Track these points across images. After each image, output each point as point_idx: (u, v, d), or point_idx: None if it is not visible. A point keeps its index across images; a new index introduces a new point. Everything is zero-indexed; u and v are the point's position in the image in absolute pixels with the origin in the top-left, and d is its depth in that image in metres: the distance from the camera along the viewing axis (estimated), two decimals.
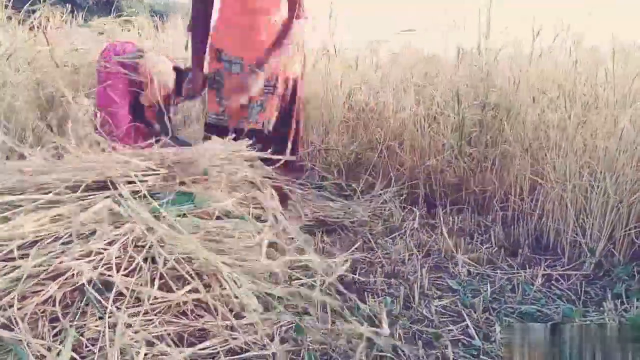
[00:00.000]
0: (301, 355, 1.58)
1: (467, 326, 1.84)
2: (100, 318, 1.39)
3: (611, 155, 2.31)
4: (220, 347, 1.49)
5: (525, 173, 2.75)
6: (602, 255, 2.31)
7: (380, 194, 3.14)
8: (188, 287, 1.49)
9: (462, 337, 1.81)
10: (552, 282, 2.17)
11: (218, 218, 1.66)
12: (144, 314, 1.43)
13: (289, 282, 1.90)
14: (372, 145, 3.50)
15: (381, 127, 3.47)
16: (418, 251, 2.45)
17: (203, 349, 1.47)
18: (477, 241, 2.59)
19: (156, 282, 1.45)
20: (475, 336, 1.79)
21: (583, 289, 2.09)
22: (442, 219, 2.84)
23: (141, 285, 1.39)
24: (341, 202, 3.02)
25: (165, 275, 1.46)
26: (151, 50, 3.32)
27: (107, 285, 1.39)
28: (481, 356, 1.69)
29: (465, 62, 3.38)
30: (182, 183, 1.68)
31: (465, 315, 1.91)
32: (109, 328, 1.34)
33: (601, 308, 1.92)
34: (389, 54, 4.09)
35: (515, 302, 2.00)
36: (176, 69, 3.39)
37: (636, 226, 2.27)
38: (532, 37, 2.95)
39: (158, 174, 1.66)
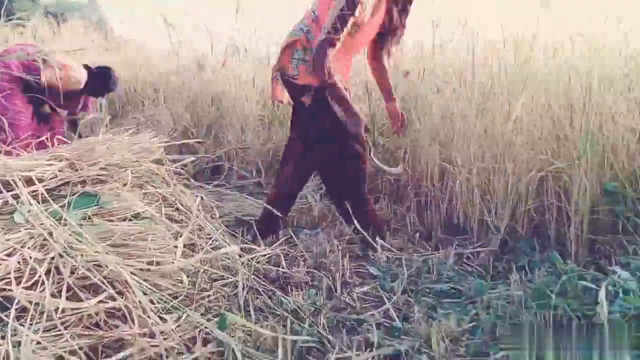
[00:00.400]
0: (225, 356, 1.55)
1: (388, 309, 1.90)
2: (2, 337, 1.28)
3: (508, 138, 2.49)
4: (139, 356, 1.43)
5: (434, 160, 2.88)
6: (507, 232, 2.47)
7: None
8: (99, 297, 1.42)
9: (383, 320, 1.87)
10: (464, 260, 2.30)
11: (127, 220, 1.59)
12: (52, 328, 1.34)
13: (210, 282, 1.87)
14: None
15: None
16: (339, 242, 2.49)
17: (120, 359, 1.41)
18: (394, 228, 2.68)
19: (63, 294, 1.37)
20: (396, 318, 1.85)
21: (492, 265, 2.23)
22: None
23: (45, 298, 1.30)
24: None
25: (72, 285, 1.38)
26: (56, 53, 3.15)
27: (8, 300, 1.29)
28: (402, 336, 1.75)
29: None
30: (84, 183, 1.59)
31: (385, 299, 1.98)
32: (13, 347, 1.25)
33: (508, 280, 2.05)
34: None
35: (431, 282, 2.10)
36: (87, 68, 3.23)
37: (534, 202, 2.46)
38: (432, 29, 3.10)
39: (55, 166, 1.55)
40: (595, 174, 2.18)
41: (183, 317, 1.53)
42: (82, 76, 3.15)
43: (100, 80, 3.28)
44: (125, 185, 1.73)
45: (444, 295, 2.01)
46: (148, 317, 1.45)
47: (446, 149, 2.87)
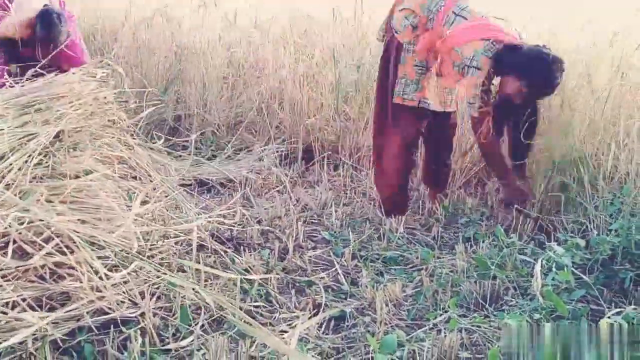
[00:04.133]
0: (172, 310, 1.58)
1: (337, 273, 1.96)
2: None
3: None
4: (86, 309, 1.44)
5: None
6: (456, 205, 2.56)
7: (260, 152, 3.15)
8: (45, 250, 1.41)
9: (332, 283, 1.93)
10: (414, 229, 2.38)
11: (77, 176, 1.57)
12: None
13: (163, 240, 1.88)
14: (252, 104, 3.47)
15: (261, 84, 3.45)
16: (294, 206, 2.52)
17: (66, 312, 1.41)
18: (351, 195, 2.73)
19: (10, 247, 1.35)
20: (344, 281, 1.91)
21: (440, 235, 2.31)
22: (319, 174, 2.95)
23: None
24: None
25: (17, 239, 1.36)
26: None
27: None
28: (348, 299, 1.82)
29: (343, 23, 3.46)
30: None
31: (336, 263, 2.03)
32: None
33: (453, 251, 2.14)
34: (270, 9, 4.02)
35: (380, 249, 2.16)
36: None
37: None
38: None
39: None
40: (548, 154, 2.27)
41: (132, 273, 1.54)
42: (19, 22, 2.72)
43: (41, 25, 2.60)
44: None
45: (391, 262, 2.08)
46: (95, 271, 1.46)
47: None
